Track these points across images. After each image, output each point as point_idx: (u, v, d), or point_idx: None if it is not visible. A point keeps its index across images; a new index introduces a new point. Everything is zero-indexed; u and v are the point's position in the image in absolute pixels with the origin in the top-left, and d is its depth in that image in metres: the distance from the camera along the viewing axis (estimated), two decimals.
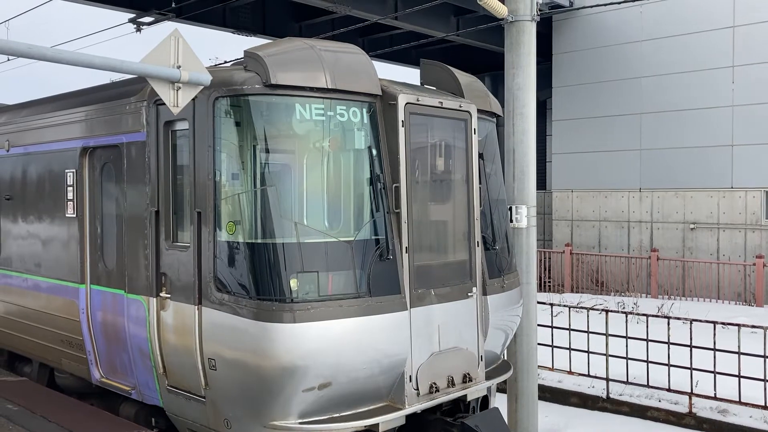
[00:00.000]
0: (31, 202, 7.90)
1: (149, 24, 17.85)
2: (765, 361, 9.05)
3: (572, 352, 10.61)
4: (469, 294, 6.31)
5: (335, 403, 5.47)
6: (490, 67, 23.87)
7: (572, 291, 19.68)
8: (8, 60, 17.87)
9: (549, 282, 20.26)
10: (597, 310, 10.93)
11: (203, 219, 5.63)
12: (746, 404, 9.16)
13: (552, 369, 10.80)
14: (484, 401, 6.74)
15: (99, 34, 16.73)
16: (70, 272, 7.16)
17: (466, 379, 6.22)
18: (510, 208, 8.04)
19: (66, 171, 7.22)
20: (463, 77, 6.92)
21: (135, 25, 17.68)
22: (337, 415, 5.50)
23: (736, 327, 9.42)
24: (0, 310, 8.54)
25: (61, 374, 7.82)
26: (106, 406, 7.12)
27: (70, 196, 7.17)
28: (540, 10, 8.42)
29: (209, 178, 5.59)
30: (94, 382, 7.02)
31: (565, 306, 11.49)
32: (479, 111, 6.66)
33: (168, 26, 17.32)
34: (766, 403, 9.00)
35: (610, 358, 10.18)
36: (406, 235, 5.77)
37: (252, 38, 20.09)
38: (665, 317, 10.14)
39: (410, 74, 29.78)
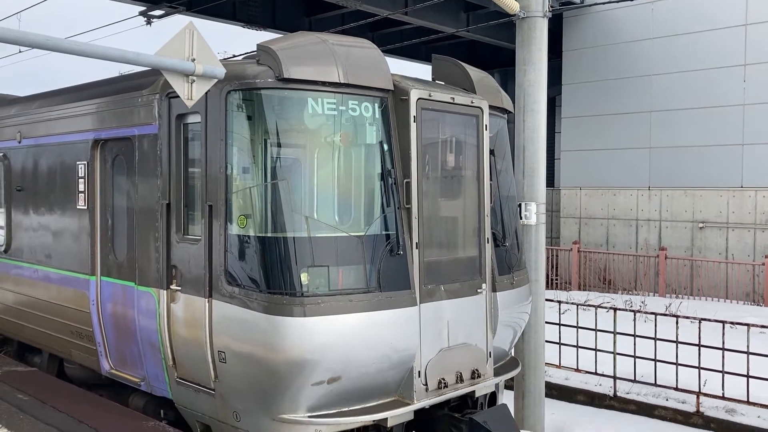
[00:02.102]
0: (42, 194, 7.93)
1: (159, 17, 17.86)
2: None
3: (579, 349, 10.60)
4: (479, 290, 6.31)
5: (344, 397, 5.48)
6: (500, 64, 23.82)
7: (579, 289, 19.65)
8: (19, 52, 17.93)
9: (556, 279, 20.24)
10: (605, 308, 10.90)
11: (214, 212, 5.64)
12: (754, 404, 9.13)
13: (559, 366, 10.79)
14: (492, 397, 6.74)
15: (109, 27, 16.78)
16: (80, 264, 7.19)
17: (475, 375, 6.23)
18: (519, 205, 8.03)
19: (77, 163, 7.25)
20: (475, 73, 6.91)
21: (145, 18, 17.69)
22: (346, 409, 5.52)
23: (745, 327, 9.39)
24: (11, 301, 8.59)
25: (71, 365, 7.87)
26: (116, 397, 7.15)
27: (81, 188, 7.20)
28: (551, 7, 8.40)
29: (221, 171, 5.60)
30: (103, 374, 7.05)
31: (572, 303, 11.48)
32: (491, 107, 6.65)
33: (178, 19, 17.33)
34: None
35: (617, 356, 10.17)
36: (416, 230, 5.77)
37: (262, 32, 20.10)
38: (674, 316, 10.11)
39: (420, 70, 29.70)
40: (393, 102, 5.83)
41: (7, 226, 8.60)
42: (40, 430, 5.71)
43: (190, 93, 4.61)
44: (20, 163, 8.36)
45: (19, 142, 8.35)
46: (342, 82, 5.52)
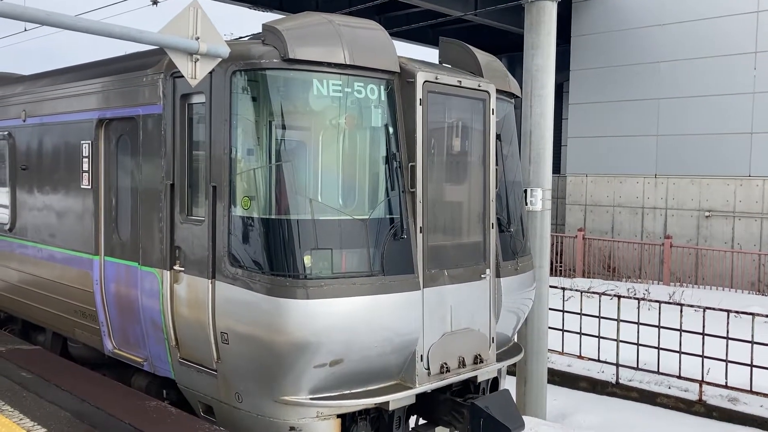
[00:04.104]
0: (46, 173, 7.92)
1: None
2: None
3: (583, 336, 10.59)
4: (483, 276, 6.29)
5: (346, 380, 5.48)
6: (508, 48, 23.63)
7: (583, 276, 19.62)
8: (25, 30, 17.87)
9: (560, 266, 20.20)
10: (609, 295, 10.88)
11: (218, 193, 5.62)
12: (757, 393, 9.13)
13: (562, 353, 10.79)
14: (494, 383, 6.73)
15: (114, 6, 16.67)
16: (84, 243, 7.18)
17: (477, 360, 6.22)
18: (525, 191, 7.99)
19: (82, 142, 7.22)
20: (483, 56, 6.83)
21: None
22: (348, 392, 5.52)
23: (750, 316, 9.36)
24: (15, 280, 8.61)
25: (74, 344, 7.89)
26: (118, 376, 7.18)
27: (85, 167, 7.18)
28: None
29: (225, 152, 5.56)
30: (106, 353, 7.07)
31: (576, 290, 11.46)
32: (498, 91, 6.58)
33: (185, 0, 17.21)
34: None
35: (620, 343, 10.15)
36: (420, 214, 5.73)
37: (268, 13, 19.96)
38: (678, 304, 10.09)
39: (426, 53, 29.51)
40: (399, 84, 5.78)
41: (12, 205, 8.60)
42: (44, 408, 5.73)
43: (194, 72, 4.56)
44: (25, 141, 8.34)
45: (24, 121, 8.32)
46: (348, 63, 5.46)
